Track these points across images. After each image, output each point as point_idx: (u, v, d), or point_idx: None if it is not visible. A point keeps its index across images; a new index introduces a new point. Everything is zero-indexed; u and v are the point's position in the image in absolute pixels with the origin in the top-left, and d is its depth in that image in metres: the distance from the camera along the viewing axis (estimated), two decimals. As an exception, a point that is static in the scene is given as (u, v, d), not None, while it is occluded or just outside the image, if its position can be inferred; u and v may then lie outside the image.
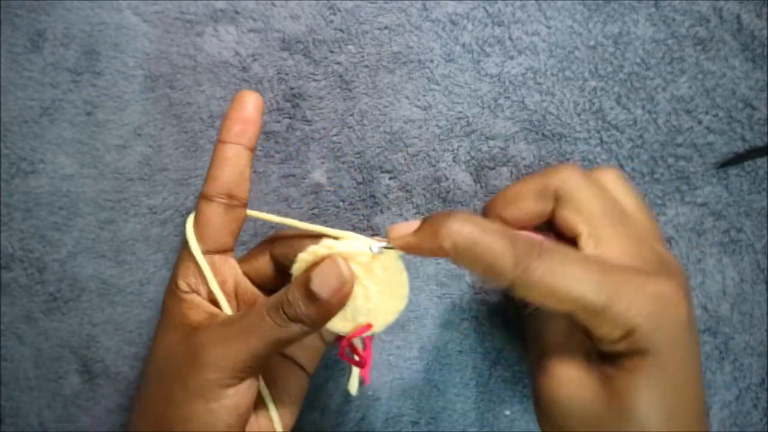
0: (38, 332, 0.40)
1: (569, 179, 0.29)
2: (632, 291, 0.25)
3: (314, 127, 0.39)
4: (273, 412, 0.32)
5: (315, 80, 0.39)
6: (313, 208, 0.39)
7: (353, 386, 0.34)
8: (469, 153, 0.39)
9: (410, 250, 0.28)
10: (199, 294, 0.32)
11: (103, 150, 0.39)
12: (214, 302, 0.32)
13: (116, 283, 0.39)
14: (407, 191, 0.39)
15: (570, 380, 0.27)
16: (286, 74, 0.39)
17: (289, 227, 0.33)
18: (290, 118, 0.39)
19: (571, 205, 0.28)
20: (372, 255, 0.29)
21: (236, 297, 0.33)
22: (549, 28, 0.39)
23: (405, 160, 0.39)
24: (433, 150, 0.39)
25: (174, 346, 0.30)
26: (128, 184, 0.39)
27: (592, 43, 0.39)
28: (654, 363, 0.25)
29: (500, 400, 0.39)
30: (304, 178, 0.39)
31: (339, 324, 0.31)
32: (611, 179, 0.30)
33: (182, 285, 0.31)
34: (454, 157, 0.39)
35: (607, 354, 0.26)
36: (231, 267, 0.33)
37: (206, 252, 0.31)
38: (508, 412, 0.39)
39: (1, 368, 0.40)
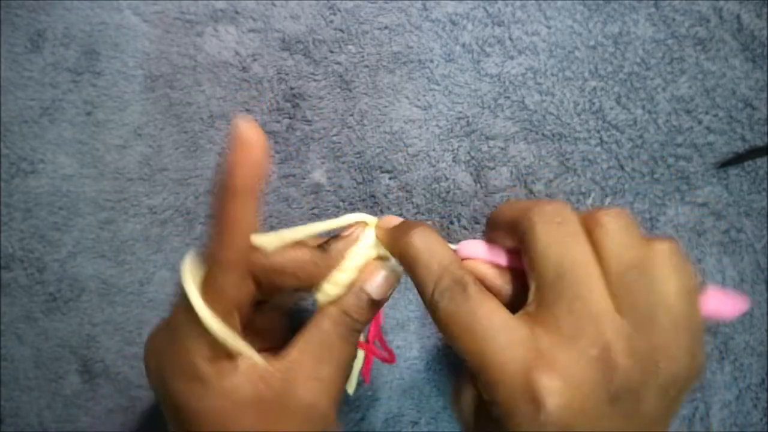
0: (38, 332, 0.40)
1: (537, 224, 0.25)
2: (516, 370, 0.23)
3: (314, 127, 0.39)
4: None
5: (315, 80, 0.39)
6: (313, 208, 0.39)
7: (351, 386, 0.34)
8: (469, 153, 0.39)
9: (381, 240, 0.29)
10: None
11: (103, 150, 0.39)
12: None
13: (116, 283, 0.39)
14: (407, 191, 0.39)
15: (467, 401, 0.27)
16: (286, 74, 0.39)
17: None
18: (290, 118, 0.39)
19: (528, 254, 0.25)
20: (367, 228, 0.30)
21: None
22: (549, 28, 0.39)
23: (405, 160, 0.39)
24: (433, 150, 0.39)
25: (261, 424, 0.26)
26: (128, 184, 0.39)
27: (592, 43, 0.39)
28: None
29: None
30: (304, 178, 0.39)
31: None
32: (608, 227, 0.25)
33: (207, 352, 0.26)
34: (454, 157, 0.39)
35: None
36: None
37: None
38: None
39: (1, 368, 0.40)
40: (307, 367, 0.27)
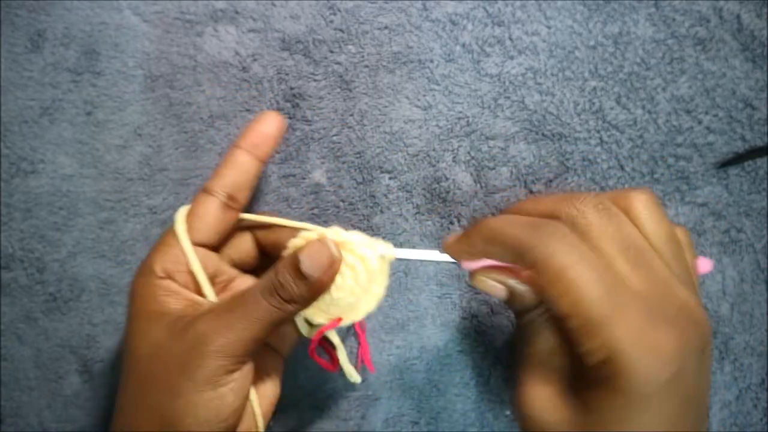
0: (38, 332, 0.40)
1: (552, 245, 0.25)
2: (630, 326, 0.24)
3: (314, 127, 0.39)
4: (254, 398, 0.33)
5: (315, 80, 0.39)
6: (313, 208, 0.39)
7: (352, 375, 0.35)
8: (469, 153, 0.39)
9: (459, 253, 0.30)
10: (174, 280, 0.32)
11: (103, 150, 0.39)
12: (191, 290, 0.32)
13: (116, 283, 0.39)
14: (407, 191, 0.39)
15: (542, 397, 0.27)
16: (286, 74, 0.39)
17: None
18: (290, 118, 0.39)
19: (557, 284, 0.25)
20: (364, 255, 0.31)
21: (212, 283, 0.33)
22: (549, 28, 0.39)
23: (405, 160, 0.39)
24: (433, 150, 0.39)
25: (164, 338, 0.30)
26: (128, 184, 0.39)
27: (592, 43, 0.39)
28: (626, 405, 0.24)
29: (500, 400, 0.39)
30: (304, 178, 0.39)
31: (312, 312, 0.32)
32: (640, 206, 0.28)
33: (158, 270, 0.31)
34: (454, 157, 0.39)
35: (587, 376, 0.26)
36: (211, 258, 0.33)
37: (193, 243, 0.32)
38: (508, 412, 0.39)
39: (1, 368, 0.40)
40: (219, 307, 0.30)
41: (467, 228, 0.30)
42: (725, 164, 0.39)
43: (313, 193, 0.39)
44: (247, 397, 0.31)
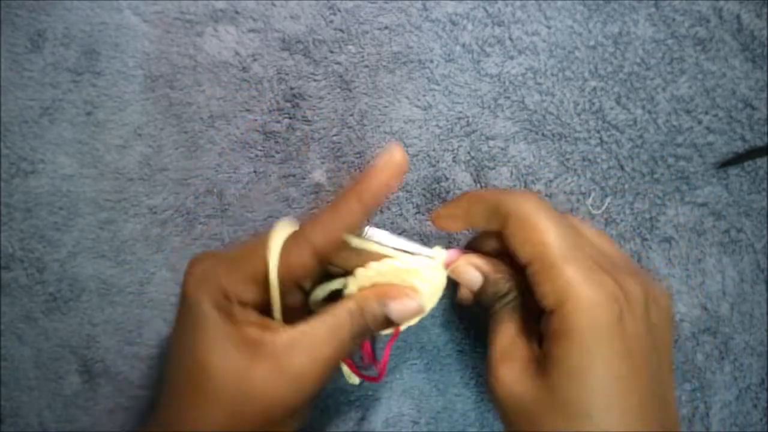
0: (38, 332, 0.40)
1: (524, 203, 0.29)
2: (582, 266, 0.27)
3: (314, 127, 0.39)
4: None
5: (315, 80, 0.39)
6: (313, 208, 0.39)
7: (352, 379, 0.35)
8: (469, 153, 0.39)
9: (447, 219, 0.32)
10: (246, 306, 0.29)
11: (103, 150, 0.39)
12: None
13: (116, 283, 0.39)
14: (407, 191, 0.39)
15: (509, 374, 0.28)
16: (286, 74, 0.39)
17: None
18: (290, 118, 0.39)
19: (522, 229, 0.28)
20: (427, 266, 0.32)
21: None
22: (549, 28, 0.39)
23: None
24: (433, 150, 0.39)
25: (247, 369, 0.27)
26: (128, 184, 0.39)
27: (592, 43, 0.39)
28: (579, 345, 0.26)
29: (500, 400, 0.39)
30: (304, 178, 0.39)
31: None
32: (576, 221, 0.32)
33: (243, 297, 0.28)
34: (454, 157, 0.39)
35: (547, 333, 0.27)
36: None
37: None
38: (508, 412, 0.39)
39: (1, 368, 0.40)
40: (310, 340, 0.28)
41: (452, 199, 0.32)
42: (725, 164, 0.39)
43: (313, 193, 0.39)
44: None
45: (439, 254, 0.32)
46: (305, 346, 0.28)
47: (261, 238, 0.29)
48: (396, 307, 0.30)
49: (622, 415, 0.25)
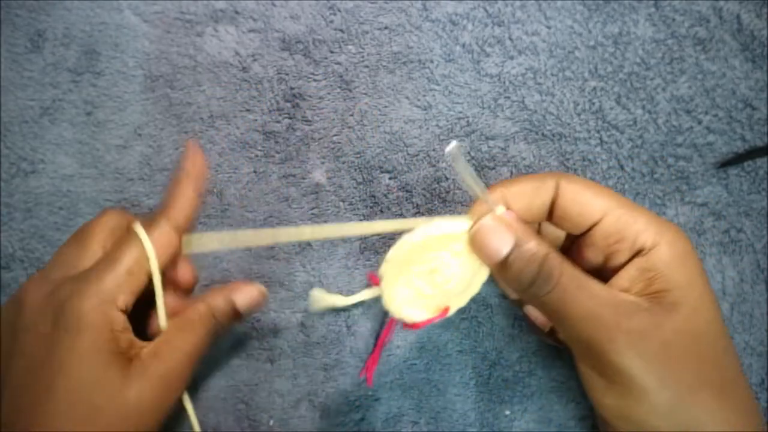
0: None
1: (567, 176, 0.30)
2: (649, 214, 0.28)
3: (314, 127, 0.39)
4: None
5: (315, 80, 0.39)
6: (313, 208, 0.39)
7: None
8: (469, 153, 0.39)
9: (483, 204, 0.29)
10: (127, 315, 0.30)
11: (103, 150, 0.39)
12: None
13: (116, 283, 0.39)
14: (407, 191, 0.39)
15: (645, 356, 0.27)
16: (286, 74, 0.39)
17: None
18: (290, 118, 0.39)
19: (581, 195, 0.29)
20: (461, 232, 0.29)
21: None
22: (549, 28, 0.39)
23: (405, 160, 0.39)
24: (433, 150, 0.39)
25: (107, 378, 0.27)
26: (128, 184, 0.39)
27: (592, 43, 0.39)
28: (698, 272, 0.27)
29: (500, 400, 0.39)
30: (304, 178, 0.39)
31: (423, 305, 0.31)
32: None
33: (120, 301, 0.29)
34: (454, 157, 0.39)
35: (650, 284, 0.28)
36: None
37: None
38: (508, 412, 0.39)
39: (1, 368, 0.40)
40: (171, 347, 0.30)
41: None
42: (725, 164, 0.39)
43: (313, 193, 0.39)
44: None
45: (499, 210, 0.28)
46: (168, 353, 0.30)
47: (119, 239, 0.31)
48: (239, 298, 0.33)
49: (722, 334, 0.27)
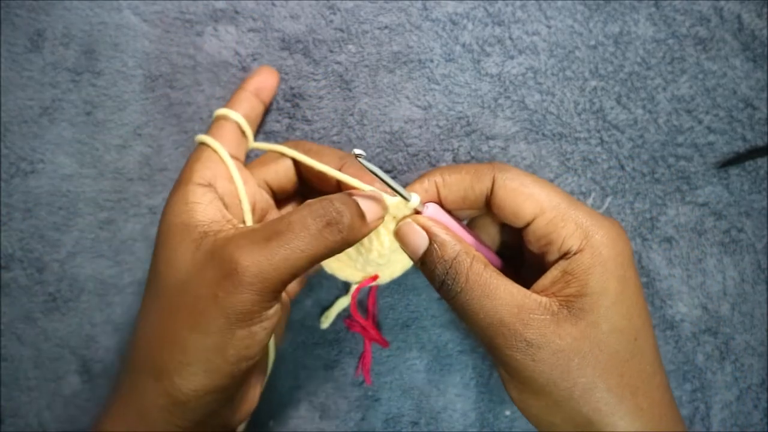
0: (38, 332, 0.40)
1: (505, 171, 0.30)
2: (585, 210, 0.29)
3: (314, 127, 0.39)
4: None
5: (315, 80, 0.39)
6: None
7: (327, 321, 0.36)
8: (469, 153, 0.39)
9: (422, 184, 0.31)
10: (214, 188, 0.30)
11: (102, 150, 0.39)
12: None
13: (115, 283, 0.39)
14: (407, 191, 0.39)
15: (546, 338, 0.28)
16: (286, 74, 0.39)
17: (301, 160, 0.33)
18: (290, 118, 0.39)
19: (516, 193, 0.29)
20: (403, 208, 0.30)
21: (253, 208, 0.32)
22: (549, 27, 0.39)
23: (405, 160, 0.39)
24: (433, 150, 0.39)
25: (192, 261, 0.27)
26: (128, 184, 0.39)
27: (592, 42, 0.39)
28: (622, 276, 0.28)
29: (500, 400, 0.39)
30: (304, 178, 0.39)
31: (348, 272, 0.33)
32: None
33: (197, 177, 0.29)
34: (454, 157, 0.39)
35: (567, 286, 0.28)
36: (248, 175, 0.33)
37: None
38: (508, 412, 0.39)
39: (1, 368, 0.40)
40: (258, 233, 0.27)
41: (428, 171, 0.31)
42: (726, 164, 0.39)
43: (313, 193, 0.39)
44: (273, 331, 0.29)
45: (414, 198, 0.29)
46: (255, 251, 0.26)
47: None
48: (365, 200, 0.29)
49: (649, 328, 0.28)
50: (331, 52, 0.39)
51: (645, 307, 0.29)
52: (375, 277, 0.33)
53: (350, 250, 0.32)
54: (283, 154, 0.33)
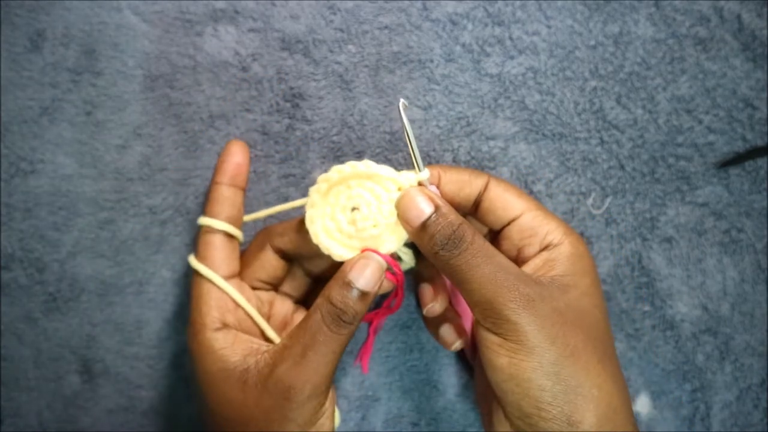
0: (38, 332, 0.40)
1: (497, 178, 0.34)
2: (557, 220, 0.33)
3: (314, 127, 0.39)
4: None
5: (315, 80, 0.39)
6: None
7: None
8: (469, 153, 0.39)
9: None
10: (229, 327, 0.33)
11: (102, 150, 0.39)
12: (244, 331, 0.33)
13: (116, 283, 0.39)
14: (407, 191, 0.39)
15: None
16: (286, 74, 0.39)
17: (285, 212, 0.35)
18: (290, 118, 0.39)
19: (502, 199, 0.33)
20: (411, 181, 0.32)
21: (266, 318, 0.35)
22: (549, 27, 0.39)
23: (405, 160, 0.39)
24: (433, 150, 0.39)
25: (243, 396, 0.31)
26: (128, 184, 0.39)
27: (592, 42, 0.39)
28: (591, 268, 0.32)
29: (500, 401, 0.39)
30: (304, 178, 0.39)
31: (341, 250, 0.33)
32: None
33: (209, 322, 0.32)
34: (454, 157, 0.39)
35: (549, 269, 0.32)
36: (245, 289, 0.35)
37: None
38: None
39: (1, 368, 0.40)
40: (293, 352, 0.31)
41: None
42: (726, 164, 0.39)
43: (313, 193, 0.39)
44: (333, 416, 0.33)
45: (425, 172, 0.32)
46: (302, 371, 0.30)
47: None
48: (357, 276, 0.31)
49: (605, 318, 0.32)
50: (331, 52, 0.39)
51: (604, 297, 0.33)
52: (367, 250, 0.32)
53: (342, 221, 0.33)
54: (261, 245, 0.36)
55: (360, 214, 0.32)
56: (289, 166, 0.39)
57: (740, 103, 0.39)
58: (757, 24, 0.38)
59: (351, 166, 0.32)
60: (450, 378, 0.39)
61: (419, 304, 0.37)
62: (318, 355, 0.30)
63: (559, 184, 0.39)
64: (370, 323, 0.38)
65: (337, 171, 0.32)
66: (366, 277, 0.31)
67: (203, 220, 0.34)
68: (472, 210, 0.34)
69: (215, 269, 0.34)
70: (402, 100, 0.31)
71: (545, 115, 0.39)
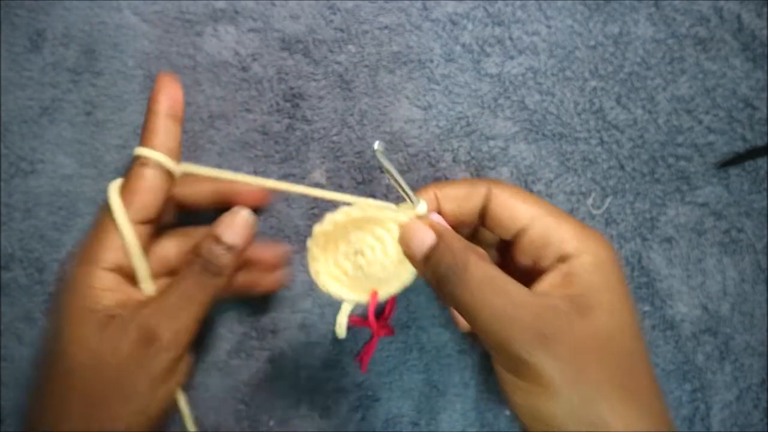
0: (38, 332, 0.40)
1: (499, 183, 0.31)
2: (575, 225, 0.30)
3: (314, 127, 0.39)
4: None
5: (315, 80, 0.39)
6: (313, 208, 0.39)
7: (341, 328, 0.34)
8: (469, 153, 0.39)
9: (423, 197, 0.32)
10: (120, 272, 0.31)
11: (102, 150, 0.39)
12: (124, 273, 0.32)
13: (116, 283, 0.39)
14: (407, 191, 0.39)
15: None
16: (286, 74, 0.39)
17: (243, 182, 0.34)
18: (290, 118, 0.39)
19: (509, 206, 0.30)
20: (409, 214, 0.30)
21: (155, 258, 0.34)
22: (549, 27, 0.39)
23: (405, 160, 0.39)
24: (433, 150, 0.39)
25: (101, 340, 0.30)
26: (128, 184, 0.39)
27: (592, 42, 0.39)
28: (619, 279, 0.29)
29: (500, 400, 0.39)
30: (304, 178, 0.39)
31: (345, 291, 0.32)
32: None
33: (104, 260, 0.31)
34: (454, 157, 0.39)
35: (569, 286, 0.29)
36: (160, 242, 0.34)
37: (134, 222, 0.32)
38: (508, 412, 0.39)
39: (1, 368, 0.40)
40: (158, 300, 0.31)
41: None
42: (726, 164, 0.39)
43: (313, 193, 0.39)
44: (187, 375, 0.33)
45: (422, 205, 0.30)
46: (164, 316, 0.30)
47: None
48: (224, 229, 0.31)
49: (635, 337, 0.28)
50: (331, 52, 0.39)
51: (635, 309, 0.29)
52: (374, 295, 0.32)
53: (348, 267, 0.32)
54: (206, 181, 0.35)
55: (365, 260, 0.32)
56: (289, 166, 0.39)
57: (740, 103, 0.39)
58: (757, 24, 0.38)
59: (345, 214, 0.30)
60: (450, 378, 0.39)
61: (454, 322, 0.36)
62: (183, 301, 0.30)
63: (559, 184, 0.39)
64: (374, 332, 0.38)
65: (332, 222, 0.30)
66: (233, 232, 0.31)
67: (140, 150, 0.32)
68: (481, 221, 0.32)
69: (135, 208, 0.31)
70: (377, 144, 0.29)
71: (545, 115, 0.39)
